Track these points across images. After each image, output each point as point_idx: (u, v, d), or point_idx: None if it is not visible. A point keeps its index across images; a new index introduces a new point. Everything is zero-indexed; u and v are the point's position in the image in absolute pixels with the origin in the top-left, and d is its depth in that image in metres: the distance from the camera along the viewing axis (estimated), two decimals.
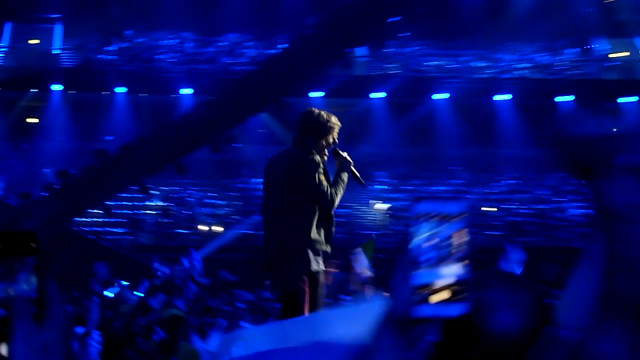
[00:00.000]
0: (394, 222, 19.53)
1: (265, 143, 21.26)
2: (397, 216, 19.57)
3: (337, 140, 4.28)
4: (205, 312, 9.14)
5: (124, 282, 10.26)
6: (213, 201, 20.94)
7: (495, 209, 19.23)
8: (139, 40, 21.93)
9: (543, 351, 1.02)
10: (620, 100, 20.58)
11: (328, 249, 4.11)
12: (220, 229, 19.32)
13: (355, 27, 19.56)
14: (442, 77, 21.48)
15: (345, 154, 4.26)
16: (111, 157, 16.49)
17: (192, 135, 18.33)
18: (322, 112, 4.36)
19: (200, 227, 19.90)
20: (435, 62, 22.24)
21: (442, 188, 20.35)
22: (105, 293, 9.05)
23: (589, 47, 21.66)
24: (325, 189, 4.10)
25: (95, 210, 18.59)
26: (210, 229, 19.66)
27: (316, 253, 3.99)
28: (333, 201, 4.12)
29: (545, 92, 20.70)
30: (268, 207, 4.35)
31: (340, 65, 19.86)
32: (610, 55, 21.39)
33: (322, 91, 21.22)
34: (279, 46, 20.83)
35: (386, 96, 21.66)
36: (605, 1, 21.14)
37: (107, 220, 19.35)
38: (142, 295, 8.60)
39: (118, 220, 19.65)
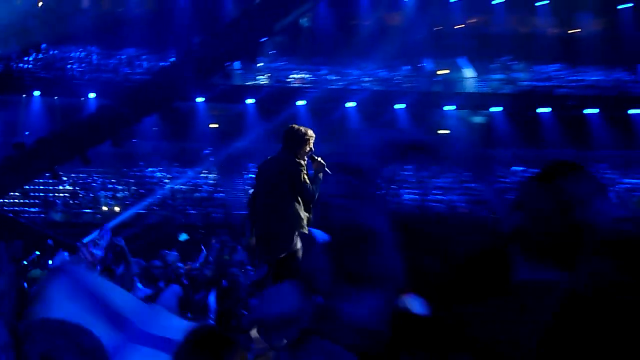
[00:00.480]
0: None
1: (157, 139, 25.25)
2: None
3: (313, 148, 5.17)
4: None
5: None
6: (113, 186, 24.12)
7: None
8: (53, 52, 24.76)
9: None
10: (445, 108, 25.44)
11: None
12: (118, 209, 22.79)
13: (233, 45, 23.56)
14: (302, 87, 25.45)
15: (319, 159, 5.07)
16: (28, 149, 19.45)
17: (97, 131, 21.89)
18: (302, 128, 5.32)
19: (102, 207, 23.24)
20: (297, 75, 26.11)
21: None
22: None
23: (420, 65, 26.15)
24: (308, 185, 4.94)
25: (15, 193, 21.98)
26: (110, 209, 23.01)
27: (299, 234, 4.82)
28: (314, 195, 4.88)
29: (385, 101, 25.12)
30: (260, 199, 5.26)
31: (220, 75, 23.80)
32: (437, 72, 25.99)
33: (205, 97, 24.64)
34: (170, 59, 24.19)
35: (256, 102, 25.41)
36: (433, 29, 25.95)
37: (24, 201, 22.64)
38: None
39: (33, 201, 22.85)
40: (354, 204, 0.74)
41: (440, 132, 25.39)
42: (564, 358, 0.88)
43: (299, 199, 5.00)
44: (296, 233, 4.77)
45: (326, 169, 4.90)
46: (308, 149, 5.10)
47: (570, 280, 1.35)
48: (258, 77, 26.28)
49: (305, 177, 5.01)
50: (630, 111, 25.31)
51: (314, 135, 5.26)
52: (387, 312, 0.84)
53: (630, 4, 25.58)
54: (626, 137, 24.64)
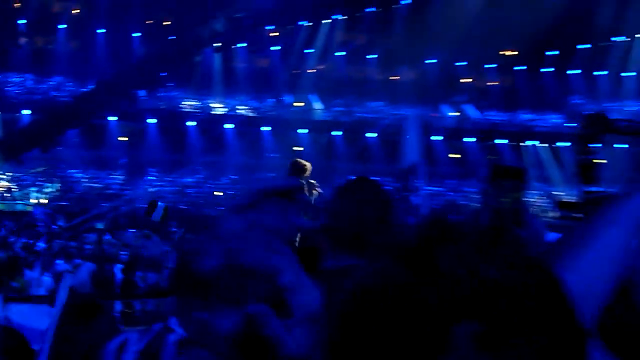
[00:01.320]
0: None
1: (78, 147, 30.28)
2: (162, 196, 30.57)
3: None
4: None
5: None
6: (42, 183, 27.89)
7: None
8: None
9: None
10: (299, 130, 32.56)
11: None
12: (45, 201, 27.37)
13: (139, 77, 30.05)
14: (192, 111, 31.76)
15: (314, 182, 6.28)
16: None
17: (29, 140, 27.74)
18: (301, 161, 6.56)
19: (32, 200, 27.37)
20: (188, 102, 32.10)
21: (189, 179, 31.65)
22: None
23: (281, 98, 33.21)
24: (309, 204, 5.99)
25: None
26: (39, 202, 27.13)
27: None
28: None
29: (255, 124, 32.16)
30: None
31: (128, 100, 29.94)
32: (294, 104, 33.28)
33: (116, 116, 30.46)
34: (89, 86, 29.32)
35: (157, 121, 31.09)
36: (292, 71, 33.59)
37: None
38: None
39: None
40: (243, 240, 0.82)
41: (295, 148, 33.19)
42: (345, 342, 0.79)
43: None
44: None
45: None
46: (306, 175, 6.24)
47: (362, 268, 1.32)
48: (159, 103, 31.68)
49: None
50: (433, 137, 33.43)
51: (310, 168, 6.52)
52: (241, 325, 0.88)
53: (435, 60, 34.81)
54: (428, 158, 33.09)
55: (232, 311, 0.81)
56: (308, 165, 6.60)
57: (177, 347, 1.58)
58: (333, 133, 33.39)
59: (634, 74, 37.26)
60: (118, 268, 9.73)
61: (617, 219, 0.95)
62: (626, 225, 0.93)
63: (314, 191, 6.83)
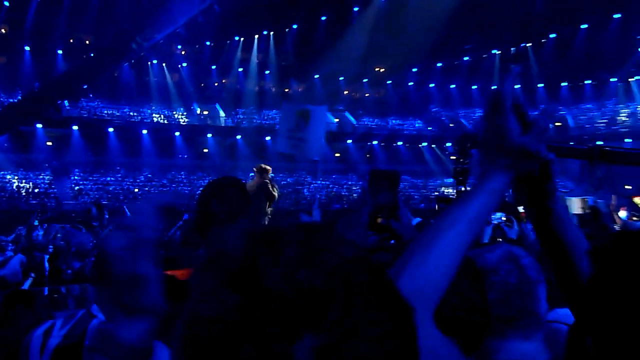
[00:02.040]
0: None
1: (6, 152, 33.06)
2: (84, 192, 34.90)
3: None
4: None
5: None
6: None
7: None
8: None
9: None
10: (208, 135, 38.50)
11: None
12: None
13: (63, 88, 33.51)
14: (112, 119, 35.65)
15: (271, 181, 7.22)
16: None
17: None
18: (264, 165, 7.41)
19: None
20: (108, 111, 36.22)
21: (110, 178, 36.11)
22: None
23: (191, 107, 38.35)
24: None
25: None
26: None
27: None
28: None
29: (168, 129, 36.91)
30: None
31: (53, 109, 33.15)
32: (202, 112, 39.16)
33: (42, 123, 33.50)
34: (18, 97, 32.66)
35: (79, 128, 34.59)
36: (200, 84, 39.48)
37: None
38: None
39: None
40: (129, 255, 0.74)
41: (204, 150, 38.74)
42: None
43: None
44: None
45: None
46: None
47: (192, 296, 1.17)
48: (82, 112, 35.56)
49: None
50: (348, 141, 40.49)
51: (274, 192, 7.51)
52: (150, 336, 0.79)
53: (319, 75, 41.63)
54: None
55: (134, 321, 0.76)
56: (269, 167, 7.55)
57: (98, 331, 1.75)
58: (237, 137, 38.83)
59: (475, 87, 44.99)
60: (46, 258, 10.05)
61: (456, 221, 1.03)
62: (464, 226, 1.02)
63: (274, 189, 7.69)
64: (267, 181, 7.96)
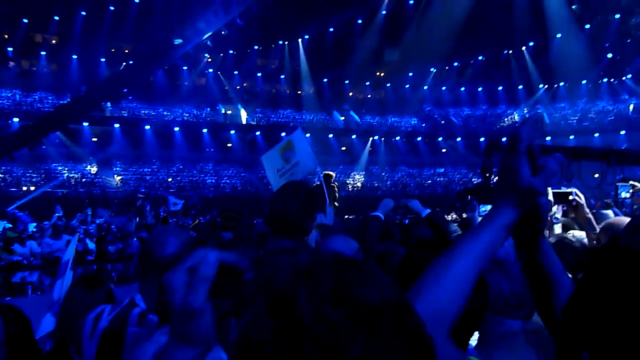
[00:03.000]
0: None
1: (59, 146, 35.73)
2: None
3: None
4: None
5: None
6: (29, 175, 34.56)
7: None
8: None
9: None
10: (232, 132, 42.45)
11: None
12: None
13: (106, 92, 35.53)
14: (148, 118, 38.31)
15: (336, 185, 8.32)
16: None
17: (20, 141, 34.12)
18: (329, 172, 8.16)
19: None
20: (145, 111, 38.79)
21: (147, 169, 39.74)
22: None
23: (217, 107, 41.55)
24: None
25: None
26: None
27: None
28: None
29: (197, 127, 40.19)
30: None
31: (98, 110, 35.85)
32: (226, 112, 43.54)
33: (87, 122, 36.32)
34: (67, 99, 35.08)
35: (120, 126, 37.43)
36: (225, 87, 42.92)
37: None
38: None
39: None
40: (188, 290, 0.81)
41: (228, 145, 41.88)
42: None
43: None
44: None
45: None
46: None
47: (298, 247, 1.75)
48: (122, 112, 38.05)
49: None
50: (329, 135, 43.65)
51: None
52: None
53: (327, 79, 46.14)
54: (325, 150, 41.69)
55: (186, 349, 0.80)
56: (333, 173, 8.76)
57: (139, 318, 1.88)
58: (256, 133, 42.17)
59: (463, 88, 48.68)
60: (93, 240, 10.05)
61: (466, 253, 1.05)
62: (472, 258, 1.04)
63: (335, 193, 8.57)
64: (332, 185, 9.33)
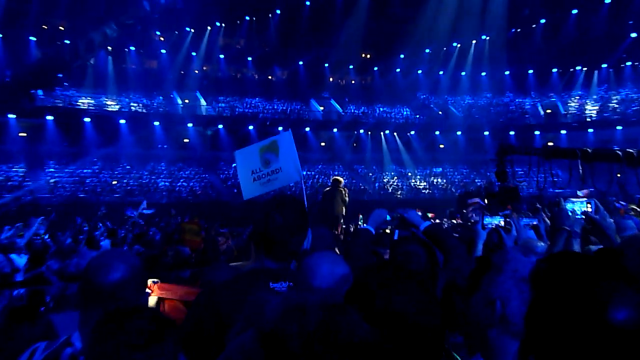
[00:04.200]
0: None
1: None
2: None
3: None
4: None
5: None
6: None
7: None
8: None
9: None
10: (189, 125, 40.67)
11: None
12: None
13: (36, 78, 34.44)
14: (88, 109, 36.34)
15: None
16: None
17: None
18: (338, 178, 11.61)
19: None
20: (84, 100, 36.83)
21: (87, 170, 37.23)
22: None
23: (171, 96, 39.80)
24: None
25: None
26: None
27: None
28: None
29: (146, 119, 37.76)
30: None
31: (26, 99, 34.37)
32: (184, 101, 41.39)
33: (14, 114, 34.30)
34: None
35: (53, 118, 35.31)
36: (180, 72, 41.08)
37: None
38: None
39: None
40: None
41: (185, 140, 40.12)
42: None
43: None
44: None
45: None
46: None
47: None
48: (56, 101, 36.21)
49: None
50: (306, 129, 41.79)
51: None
52: None
53: (303, 61, 43.49)
54: (302, 146, 40.87)
55: None
56: (342, 178, 11.53)
57: (70, 359, 1.89)
58: (219, 126, 40.46)
59: (464, 73, 47.33)
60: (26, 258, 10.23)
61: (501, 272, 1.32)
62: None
63: (347, 195, 11.23)
64: (342, 189, 11.19)
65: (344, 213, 11.39)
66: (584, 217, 3.53)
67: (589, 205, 3.64)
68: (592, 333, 1.07)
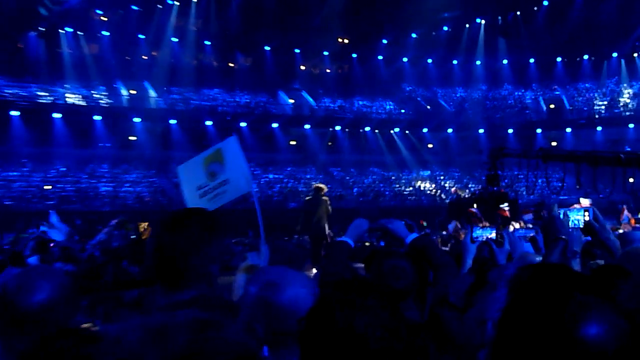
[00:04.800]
0: None
1: None
2: None
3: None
4: None
5: None
6: None
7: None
8: None
9: None
10: (135, 119, 37.33)
11: None
12: None
13: None
14: (15, 100, 34.15)
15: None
16: None
17: None
18: (320, 185, 12.77)
19: None
20: (10, 90, 34.45)
21: (14, 173, 34.39)
22: None
23: (114, 85, 37.27)
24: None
25: None
26: None
27: None
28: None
29: (86, 114, 35.57)
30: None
31: None
32: (128, 91, 37.94)
33: None
34: None
35: None
36: (125, 57, 38.02)
37: None
38: None
39: None
40: None
41: (131, 138, 37.51)
42: None
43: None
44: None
45: None
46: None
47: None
48: None
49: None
50: (273, 125, 40.05)
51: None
52: None
53: (270, 47, 40.62)
54: (268, 145, 39.03)
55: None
56: (324, 186, 12.16)
57: None
58: (171, 122, 38.53)
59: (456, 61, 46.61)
60: None
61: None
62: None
63: (328, 207, 11.78)
64: (325, 198, 11.63)
65: (327, 226, 11.58)
66: (582, 234, 3.76)
67: (586, 214, 3.86)
68: (559, 347, 1.11)
